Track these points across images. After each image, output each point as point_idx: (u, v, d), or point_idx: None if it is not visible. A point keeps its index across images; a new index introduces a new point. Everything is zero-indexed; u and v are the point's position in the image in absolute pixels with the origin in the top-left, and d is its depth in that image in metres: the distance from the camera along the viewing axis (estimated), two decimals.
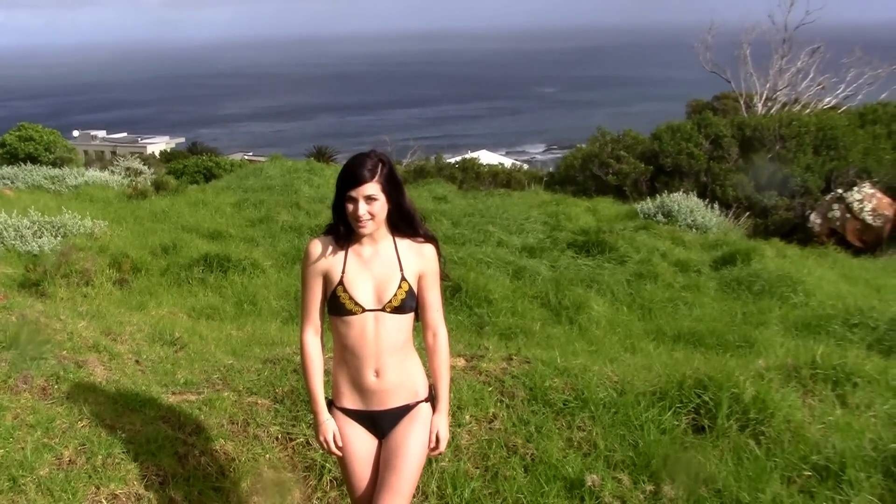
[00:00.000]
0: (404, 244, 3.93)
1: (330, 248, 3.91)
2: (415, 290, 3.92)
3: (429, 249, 3.98)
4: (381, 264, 3.87)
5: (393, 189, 3.80)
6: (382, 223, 3.84)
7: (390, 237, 3.92)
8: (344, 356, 3.95)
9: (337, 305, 3.85)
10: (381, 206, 3.76)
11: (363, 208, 3.71)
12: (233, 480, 5.22)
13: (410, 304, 3.90)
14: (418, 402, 4.05)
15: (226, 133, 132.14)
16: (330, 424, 3.98)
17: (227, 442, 5.49)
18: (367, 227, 3.77)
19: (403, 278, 3.86)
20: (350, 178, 3.74)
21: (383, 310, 3.83)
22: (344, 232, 3.86)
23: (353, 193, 3.72)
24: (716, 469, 5.50)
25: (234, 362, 6.81)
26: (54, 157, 29.56)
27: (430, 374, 4.12)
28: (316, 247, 3.93)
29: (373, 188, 3.71)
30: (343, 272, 3.85)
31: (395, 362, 3.91)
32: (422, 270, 3.95)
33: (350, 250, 3.89)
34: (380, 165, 3.76)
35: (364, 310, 3.83)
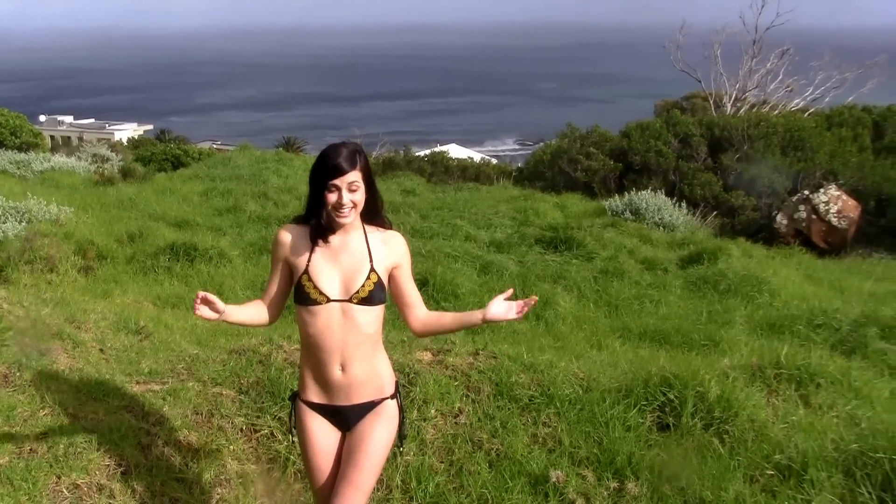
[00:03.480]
0: (375, 236, 3.91)
1: (299, 236, 3.89)
2: (384, 282, 3.89)
3: (399, 240, 3.97)
4: (350, 255, 3.85)
5: (370, 179, 3.82)
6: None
7: (361, 228, 3.90)
8: (309, 349, 3.91)
9: (302, 295, 3.83)
10: (361, 195, 3.76)
11: (346, 197, 3.71)
12: (196, 471, 5.20)
13: (379, 296, 3.87)
14: (384, 399, 4.02)
15: (198, 122, 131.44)
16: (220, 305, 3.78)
17: (191, 432, 5.46)
18: (349, 216, 3.76)
19: (373, 269, 3.84)
20: (332, 167, 3.72)
21: (350, 300, 3.80)
22: (318, 224, 3.83)
23: (337, 182, 3.70)
24: (679, 467, 5.52)
25: (200, 352, 6.76)
26: (20, 141, 29.26)
27: (443, 321, 4.10)
28: (285, 233, 3.93)
29: (355, 176, 3.71)
30: (309, 261, 3.83)
31: (361, 356, 3.88)
32: (395, 263, 3.94)
33: (319, 239, 3.87)
34: (357, 154, 3.76)
35: (329, 300, 3.80)
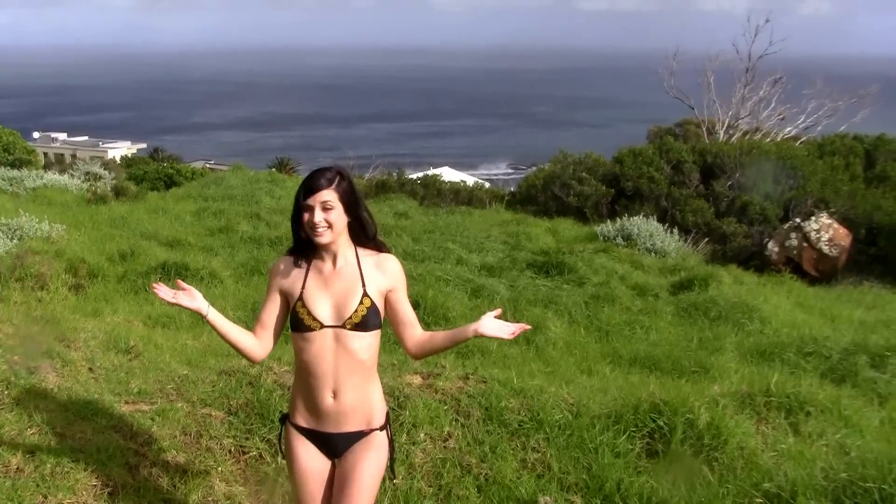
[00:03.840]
0: (367, 260, 3.91)
1: (293, 266, 3.93)
2: (378, 306, 3.89)
3: (392, 263, 3.96)
4: (342, 280, 3.85)
5: (351, 201, 3.81)
6: (341, 235, 3.84)
7: (353, 252, 3.90)
8: (302, 374, 3.92)
9: (297, 321, 3.84)
10: (337, 215, 3.76)
11: (319, 216, 3.72)
12: (184, 492, 5.18)
13: (374, 321, 3.86)
14: (373, 430, 4.02)
15: (191, 141, 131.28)
16: (200, 302, 3.84)
17: (179, 453, 5.44)
18: (325, 236, 3.76)
19: (365, 294, 3.83)
20: (306, 186, 3.77)
21: (343, 326, 3.80)
22: (304, 245, 3.87)
23: (310, 201, 3.74)
24: (668, 494, 5.52)
25: (189, 373, 6.75)
26: (13, 158, 29.21)
27: (436, 339, 4.04)
28: (280, 264, 3.97)
29: (329, 195, 3.73)
30: (303, 288, 3.85)
31: (353, 384, 3.87)
32: (389, 287, 3.93)
33: (311, 266, 3.89)
34: (338, 177, 3.79)
35: (323, 325, 3.80)
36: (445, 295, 11.61)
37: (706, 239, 21.86)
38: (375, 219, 4.02)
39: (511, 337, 3.92)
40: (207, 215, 18.59)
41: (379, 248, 3.98)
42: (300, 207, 3.79)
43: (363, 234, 3.92)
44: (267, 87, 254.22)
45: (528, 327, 4.05)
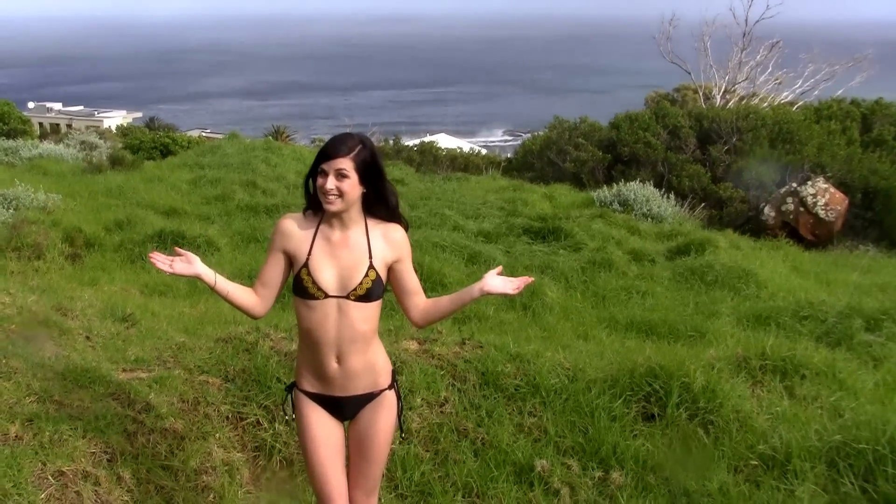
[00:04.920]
0: (375, 231, 3.88)
1: (300, 227, 3.88)
2: (383, 277, 3.88)
3: (399, 233, 3.93)
4: (349, 250, 3.82)
5: (370, 173, 3.76)
6: (353, 206, 3.80)
7: (362, 222, 3.87)
8: (306, 341, 3.92)
9: (300, 288, 3.81)
10: (350, 185, 3.70)
11: (331, 183, 3.68)
12: (182, 459, 5.19)
13: (377, 292, 3.85)
14: (382, 390, 4.04)
15: (187, 110, 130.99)
16: (198, 267, 3.86)
17: (177, 420, 5.45)
18: (335, 204, 3.72)
19: (371, 266, 3.81)
20: (323, 150, 3.73)
21: (347, 297, 3.79)
22: (312, 207, 3.86)
23: (325, 166, 3.70)
24: (664, 457, 5.55)
25: (186, 340, 6.75)
26: (8, 128, 29.16)
27: (441, 304, 4.06)
28: (286, 223, 3.91)
29: (345, 163, 3.67)
30: (309, 254, 3.81)
31: (357, 350, 3.88)
32: (395, 257, 3.92)
33: (319, 233, 3.85)
34: (359, 146, 3.73)
35: (327, 295, 3.79)
36: (442, 261, 11.61)
37: (703, 204, 21.89)
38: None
39: (515, 292, 3.94)
40: (204, 184, 18.54)
41: (396, 220, 3.95)
42: (315, 168, 3.77)
43: (382, 206, 3.88)
44: (263, 56, 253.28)
45: (531, 280, 4.06)
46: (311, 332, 3.85)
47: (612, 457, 5.60)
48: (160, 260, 3.75)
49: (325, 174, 3.70)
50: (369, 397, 4.01)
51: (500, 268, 4.03)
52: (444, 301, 4.05)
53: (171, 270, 3.76)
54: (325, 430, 4.01)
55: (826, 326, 9.54)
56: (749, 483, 5.32)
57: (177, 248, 3.84)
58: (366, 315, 3.85)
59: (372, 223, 3.89)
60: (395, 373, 4.16)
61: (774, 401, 6.19)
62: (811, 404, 6.24)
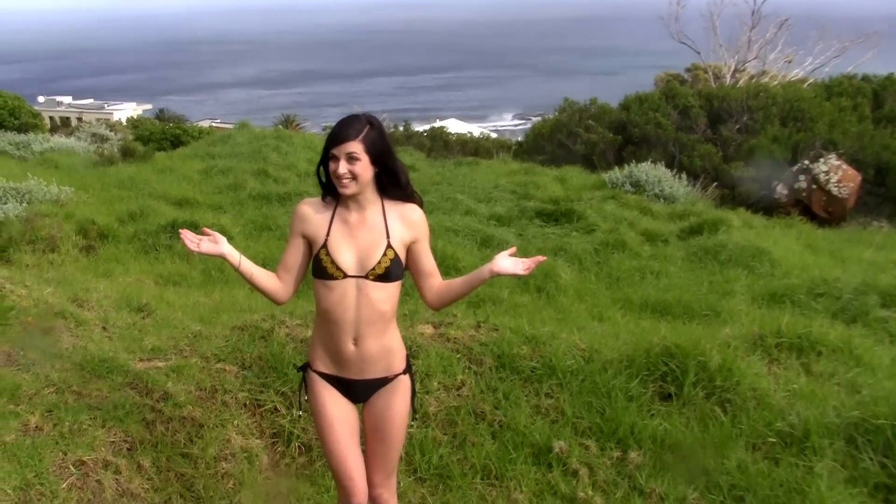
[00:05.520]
0: (393, 211, 3.88)
1: (317, 211, 3.89)
2: (401, 257, 3.88)
3: (416, 213, 3.94)
4: (367, 230, 3.83)
5: (380, 152, 3.76)
6: (367, 186, 3.80)
7: (379, 203, 3.88)
8: (324, 322, 3.92)
9: (320, 268, 3.82)
10: (363, 168, 3.71)
11: (343, 167, 3.68)
12: (201, 447, 5.22)
13: (396, 272, 3.86)
14: (397, 375, 4.04)
15: (197, 101, 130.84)
16: (224, 247, 3.87)
17: (194, 408, 5.47)
18: (349, 188, 3.73)
19: (389, 245, 3.82)
20: (332, 135, 3.73)
21: (366, 277, 3.80)
22: (330, 189, 3.85)
23: (335, 151, 3.70)
24: (682, 436, 5.55)
25: (202, 329, 6.76)
26: (19, 122, 29.20)
27: (454, 286, 4.05)
28: (303, 208, 3.93)
29: (355, 146, 3.68)
30: (328, 235, 3.82)
31: (374, 332, 3.88)
32: (413, 237, 3.92)
33: (336, 214, 3.86)
34: (367, 127, 3.73)
35: (346, 275, 3.79)
36: (455, 245, 11.62)
37: (714, 183, 21.82)
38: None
39: (526, 272, 3.93)
40: (215, 173, 18.56)
41: (409, 197, 3.95)
42: (326, 154, 3.78)
43: (393, 184, 3.87)
44: (272, 46, 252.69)
45: (543, 259, 4.03)
46: (330, 313, 3.85)
47: (629, 437, 5.60)
48: (189, 238, 3.76)
49: (337, 159, 3.71)
50: (383, 381, 4.01)
51: (513, 248, 4.03)
52: (457, 283, 4.04)
53: (198, 250, 3.78)
54: (339, 411, 4.02)
55: (841, 303, 9.52)
56: (767, 460, 5.32)
57: (204, 229, 3.84)
58: (385, 296, 3.85)
59: (389, 204, 3.89)
60: (409, 357, 4.17)
61: (791, 378, 6.18)
62: (828, 381, 6.23)
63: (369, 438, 4.09)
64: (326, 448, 4.09)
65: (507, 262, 3.94)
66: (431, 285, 4.04)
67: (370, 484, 4.09)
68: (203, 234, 3.83)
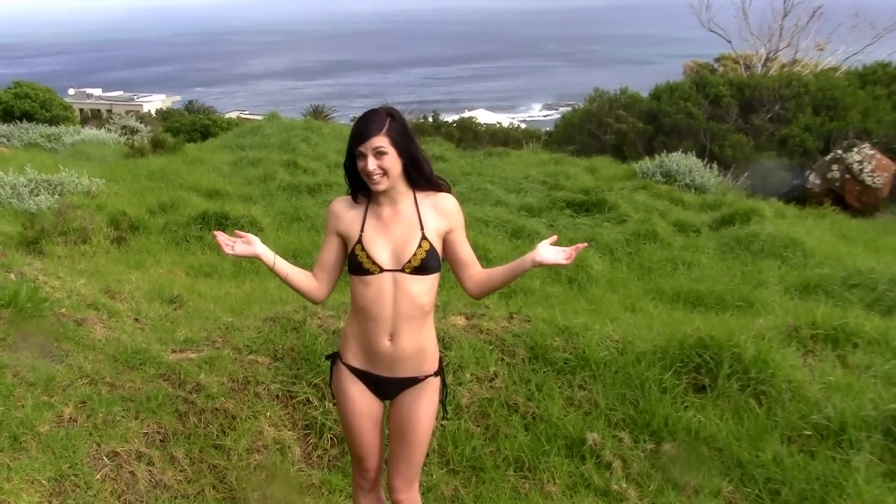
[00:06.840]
0: (425, 202, 3.85)
1: (350, 208, 3.87)
2: (437, 249, 3.83)
3: (450, 203, 3.90)
4: (401, 223, 3.80)
5: (404, 142, 3.72)
6: (398, 179, 3.77)
7: (411, 195, 3.84)
8: (359, 317, 3.88)
9: (355, 264, 3.79)
10: (392, 161, 3.67)
11: (373, 163, 3.64)
12: (233, 438, 5.23)
13: (433, 264, 3.81)
14: (427, 377, 3.99)
15: (226, 92, 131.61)
16: (258, 247, 3.86)
17: (227, 400, 5.48)
18: (382, 184, 3.70)
19: (424, 237, 3.78)
20: (356, 133, 3.69)
21: (402, 270, 3.76)
22: (360, 192, 3.83)
23: (362, 148, 3.66)
24: (716, 428, 5.51)
25: (234, 320, 6.77)
26: (50, 115, 29.37)
27: (494, 275, 3.98)
28: (336, 205, 3.91)
29: (381, 141, 3.64)
30: (362, 231, 3.79)
31: (411, 328, 3.84)
32: (448, 227, 3.88)
33: (370, 210, 3.83)
34: (388, 119, 3.69)
35: (382, 269, 3.76)
36: (486, 236, 11.61)
37: (746, 173, 21.65)
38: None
39: (568, 261, 3.88)
40: (245, 164, 18.60)
41: (437, 187, 3.91)
42: (354, 155, 3.74)
43: (419, 174, 3.83)
44: (300, 36, 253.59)
45: (585, 245, 4.00)
46: (367, 309, 3.82)
47: (663, 429, 5.57)
48: (223, 241, 3.77)
49: (364, 156, 3.67)
50: (413, 381, 3.97)
51: (554, 237, 3.99)
52: (498, 272, 3.99)
53: (232, 252, 3.78)
54: (367, 406, 4.01)
55: (877, 294, 9.42)
56: (803, 453, 5.28)
57: (237, 231, 3.84)
58: (422, 289, 3.81)
59: (421, 195, 3.86)
60: (442, 360, 4.13)
61: (827, 370, 6.12)
62: (864, 373, 6.16)
63: (393, 440, 4.06)
64: (349, 443, 4.13)
65: (549, 252, 3.89)
66: (471, 275, 3.99)
67: (391, 489, 4.07)
68: (236, 235, 3.82)
